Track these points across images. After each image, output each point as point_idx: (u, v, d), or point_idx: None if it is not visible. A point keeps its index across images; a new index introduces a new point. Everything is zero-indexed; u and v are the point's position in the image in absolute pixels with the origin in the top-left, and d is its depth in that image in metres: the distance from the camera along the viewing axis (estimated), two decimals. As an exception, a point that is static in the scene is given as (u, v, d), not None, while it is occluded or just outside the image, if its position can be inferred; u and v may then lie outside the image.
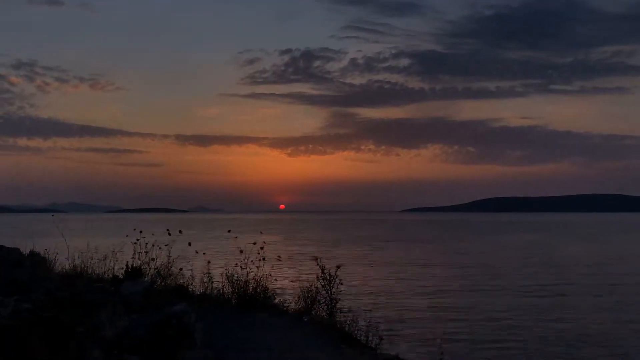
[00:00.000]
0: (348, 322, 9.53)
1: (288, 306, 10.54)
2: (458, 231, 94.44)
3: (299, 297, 10.47)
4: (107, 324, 5.88)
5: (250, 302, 10.15)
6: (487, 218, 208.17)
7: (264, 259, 10.48)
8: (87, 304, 6.16)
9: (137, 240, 10.41)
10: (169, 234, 10.46)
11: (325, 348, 8.21)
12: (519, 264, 37.21)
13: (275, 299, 10.50)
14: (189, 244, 10.55)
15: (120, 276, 10.20)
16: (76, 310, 5.83)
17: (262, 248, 10.44)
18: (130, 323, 6.31)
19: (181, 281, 10.55)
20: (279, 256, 11.63)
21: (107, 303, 6.38)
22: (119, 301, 7.03)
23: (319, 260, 10.35)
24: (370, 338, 9.12)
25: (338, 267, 10.31)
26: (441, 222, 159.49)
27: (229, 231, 12.59)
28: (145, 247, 10.43)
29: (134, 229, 10.65)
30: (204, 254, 10.82)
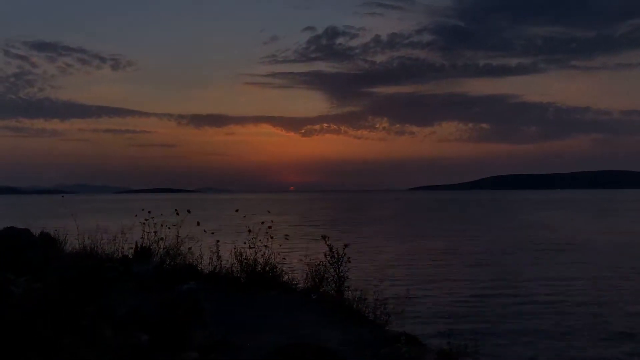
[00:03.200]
0: (356, 299, 9.57)
1: (296, 284, 10.60)
2: (462, 210, 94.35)
3: (307, 276, 10.51)
4: (117, 303, 5.94)
5: (258, 280, 10.22)
6: (493, 196, 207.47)
7: (272, 237, 10.52)
8: (98, 284, 6.23)
9: (146, 220, 10.46)
10: (178, 214, 10.50)
11: (334, 325, 8.27)
12: (528, 244, 37.19)
13: (283, 277, 10.56)
14: (198, 224, 10.60)
15: (130, 256, 10.28)
16: (87, 290, 5.89)
17: (270, 227, 10.47)
18: (141, 302, 6.37)
19: (190, 260, 10.62)
20: (287, 235, 11.66)
21: (117, 282, 6.44)
22: (128, 280, 7.10)
23: (326, 238, 10.37)
24: (378, 315, 9.16)
25: (346, 245, 10.32)
26: (447, 200, 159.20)
27: (236, 210, 12.61)
28: (154, 227, 10.49)
29: (143, 209, 10.71)
30: (212, 233, 10.87)
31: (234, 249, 10.62)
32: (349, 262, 10.36)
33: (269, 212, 14.88)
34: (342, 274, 10.16)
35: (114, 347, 5.14)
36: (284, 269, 10.76)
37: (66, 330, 4.96)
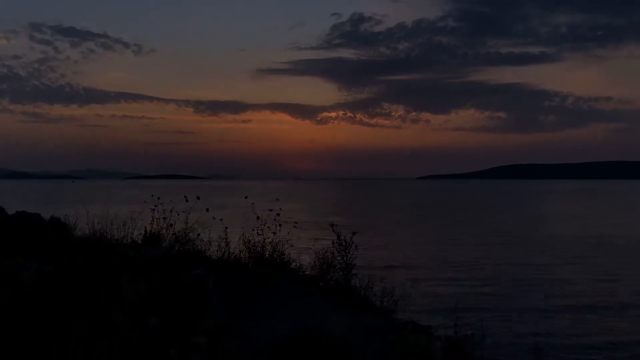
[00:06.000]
0: (363, 287, 9.60)
1: (304, 272, 10.63)
2: (457, 199, 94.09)
3: (315, 263, 10.55)
4: (127, 287, 6.00)
5: (267, 267, 10.25)
6: (499, 185, 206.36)
7: (280, 225, 10.54)
8: (108, 268, 6.28)
9: (155, 206, 10.51)
10: (187, 201, 10.54)
11: (342, 312, 8.32)
12: (532, 234, 37.09)
13: (291, 264, 10.59)
14: (207, 210, 10.64)
15: (139, 242, 10.35)
16: (97, 274, 5.95)
17: (278, 214, 10.49)
18: (150, 287, 6.43)
19: (199, 247, 10.67)
20: (295, 222, 11.67)
21: (127, 267, 6.50)
22: (138, 266, 7.16)
23: (334, 226, 10.39)
24: (385, 303, 9.20)
25: (354, 233, 10.34)
26: (454, 189, 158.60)
27: (245, 197, 12.65)
28: (163, 213, 10.54)
29: (152, 195, 10.76)
30: (221, 220, 10.91)
31: (243, 235, 10.66)
32: (357, 250, 10.38)
33: (277, 199, 14.99)
34: (349, 262, 10.19)
35: (125, 331, 5.20)
36: (292, 256, 10.79)
37: (78, 314, 5.02)
